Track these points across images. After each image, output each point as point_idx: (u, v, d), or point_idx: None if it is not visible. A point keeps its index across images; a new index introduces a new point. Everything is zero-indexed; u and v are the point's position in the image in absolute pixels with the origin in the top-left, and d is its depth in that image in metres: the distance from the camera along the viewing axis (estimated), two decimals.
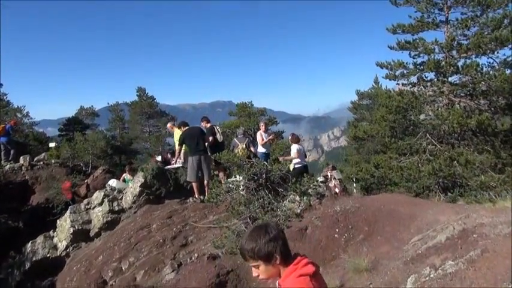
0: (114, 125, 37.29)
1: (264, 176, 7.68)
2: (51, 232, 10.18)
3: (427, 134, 11.74)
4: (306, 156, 10.23)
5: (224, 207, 8.59)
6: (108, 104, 37.26)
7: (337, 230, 6.83)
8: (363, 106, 22.20)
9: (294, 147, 9.51)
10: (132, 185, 9.39)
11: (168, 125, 11.51)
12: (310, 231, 7.01)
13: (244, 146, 10.35)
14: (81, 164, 19.42)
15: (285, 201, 7.68)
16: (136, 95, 33.30)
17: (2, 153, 17.46)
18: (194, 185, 9.21)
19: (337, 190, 7.64)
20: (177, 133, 10.23)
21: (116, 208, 9.39)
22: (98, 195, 9.62)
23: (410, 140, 11.92)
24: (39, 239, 9.92)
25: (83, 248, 9.79)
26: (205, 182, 9.20)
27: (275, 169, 7.42)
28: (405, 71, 13.05)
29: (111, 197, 9.48)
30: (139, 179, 9.20)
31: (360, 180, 12.75)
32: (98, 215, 9.44)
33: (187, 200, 9.45)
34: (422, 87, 12.48)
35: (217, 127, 10.07)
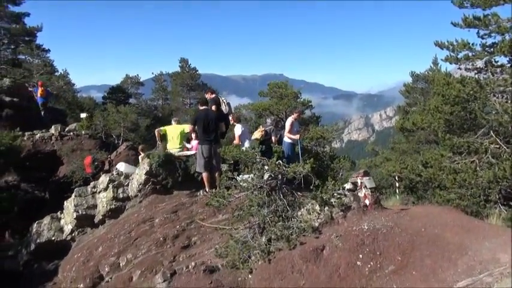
0: (157, 95, 37.25)
1: (280, 177, 6.39)
2: (58, 213, 9.62)
3: (491, 132, 9.75)
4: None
5: (236, 205, 7.45)
6: (153, 73, 37.16)
7: (360, 256, 5.45)
8: (417, 90, 19.84)
9: (238, 128, 8.84)
10: (138, 172, 8.48)
11: (173, 120, 10.35)
12: (327, 252, 5.69)
13: (262, 129, 9.31)
14: (114, 136, 19.10)
15: (301, 210, 6.37)
16: (179, 65, 32.70)
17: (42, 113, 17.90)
18: (204, 176, 8.14)
19: (367, 202, 6.18)
20: (168, 126, 9.42)
21: (121, 195, 8.57)
22: (103, 180, 8.84)
23: (469, 137, 9.98)
24: (46, 220, 9.40)
25: (87, 234, 9.14)
26: (217, 174, 8.09)
27: (290, 171, 6.08)
28: (470, 54, 10.91)
29: (116, 182, 8.65)
30: (145, 166, 8.25)
31: (404, 179, 11.07)
32: (103, 201, 8.69)
33: (198, 193, 8.41)
34: (490, 74, 10.35)
35: (223, 98, 8.90)
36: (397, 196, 11.18)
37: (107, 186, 8.65)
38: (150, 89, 39.21)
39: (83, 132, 16.69)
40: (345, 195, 6.24)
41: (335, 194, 6.19)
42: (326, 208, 6.16)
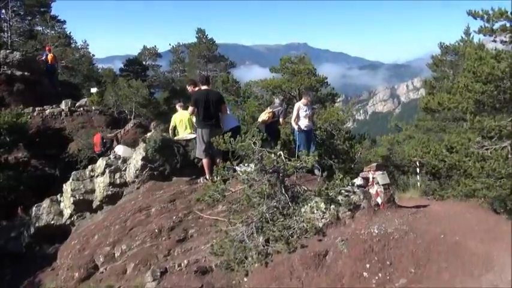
0: (175, 67, 36.61)
1: (281, 170, 5.69)
2: (58, 196, 9.30)
3: None
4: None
5: (239, 195, 6.83)
6: (170, 45, 36.39)
7: (368, 266, 4.78)
8: (446, 63, 18.35)
9: None
10: (134, 157, 7.96)
11: (177, 105, 9.65)
12: (330, 258, 5.04)
13: (270, 111, 8.52)
14: (126, 112, 18.71)
15: (305, 207, 5.70)
16: (196, 36, 31.69)
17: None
18: (204, 162, 7.53)
19: (379, 200, 5.45)
20: (175, 116, 8.67)
21: (118, 181, 8.12)
22: (100, 164, 8.39)
23: (502, 119, 8.95)
24: (45, 203, 9.12)
25: (86, 219, 8.82)
26: (218, 160, 7.47)
27: (290, 166, 5.37)
28: (508, 24, 9.67)
29: (113, 167, 8.18)
30: (141, 151, 7.70)
31: (426, 164, 10.17)
32: (100, 186, 8.27)
33: (198, 180, 7.85)
34: None
35: None
36: (418, 183, 10.34)
37: (104, 171, 8.20)
38: (168, 61, 38.59)
39: (93, 107, 16.34)
40: (354, 193, 5.52)
41: (342, 191, 5.46)
42: (332, 206, 5.47)
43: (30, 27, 28.01)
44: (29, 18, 28.55)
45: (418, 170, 10.74)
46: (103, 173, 8.24)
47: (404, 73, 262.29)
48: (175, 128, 8.64)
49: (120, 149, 8.62)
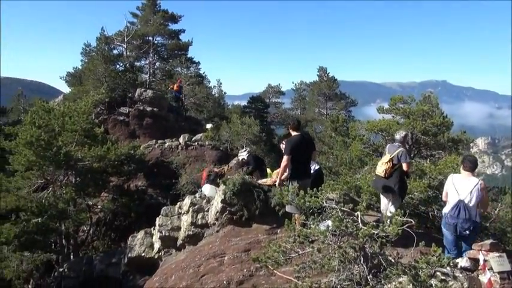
0: (296, 104, 37.03)
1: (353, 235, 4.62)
2: (152, 229, 9.55)
3: None
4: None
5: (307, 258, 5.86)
6: (293, 83, 37.11)
7: None
8: None
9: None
10: (216, 198, 7.66)
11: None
12: None
13: (390, 157, 6.34)
14: (238, 148, 19.18)
15: (388, 286, 4.48)
16: (317, 75, 31.61)
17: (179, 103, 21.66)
18: (297, 218, 6.65)
19: None
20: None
21: (200, 222, 7.88)
22: (186, 202, 8.31)
23: None
24: (140, 235, 9.42)
25: (172, 256, 8.78)
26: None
27: (362, 234, 4.24)
28: None
29: (197, 207, 8.00)
30: (220, 193, 7.36)
31: None
32: (184, 225, 8.17)
33: (278, 231, 7.12)
34: None
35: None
36: None
37: (188, 210, 8.09)
38: (290, 98, 39.40)
39: (207, 142, 17.09)
40: (455, 278, 4.12)
41: (438, 273, 4.13)
42: None
43: (170, 69, 31.62)
44: (171, 60, 32.35)
45: None
46: (188, 212, 8.14)
47: None
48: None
49: (206, 188, 8.45)
